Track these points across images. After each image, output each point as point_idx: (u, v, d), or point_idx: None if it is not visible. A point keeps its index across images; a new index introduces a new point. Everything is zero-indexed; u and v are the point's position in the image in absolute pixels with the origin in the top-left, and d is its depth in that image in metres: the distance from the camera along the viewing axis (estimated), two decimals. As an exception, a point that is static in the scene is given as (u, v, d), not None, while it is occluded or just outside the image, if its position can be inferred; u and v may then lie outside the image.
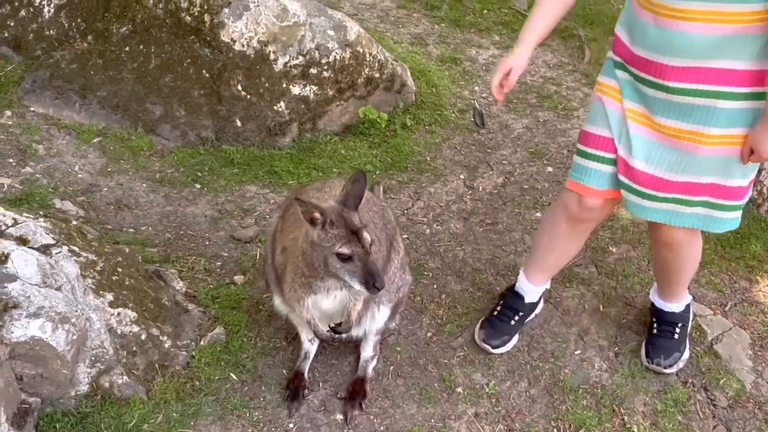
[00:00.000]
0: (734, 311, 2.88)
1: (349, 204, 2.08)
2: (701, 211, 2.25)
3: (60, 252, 2.40)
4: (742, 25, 1.97)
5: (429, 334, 2.75)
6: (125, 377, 2.37)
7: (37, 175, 3.31)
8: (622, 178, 2.28)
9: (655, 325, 2.65)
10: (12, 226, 2.38)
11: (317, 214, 2.04)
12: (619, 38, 2.26)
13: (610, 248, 3.16)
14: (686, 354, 2.64)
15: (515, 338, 2.68)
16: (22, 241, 2.34)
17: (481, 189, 3.53)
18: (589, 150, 2.33)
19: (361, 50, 3.78)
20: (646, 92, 2.18)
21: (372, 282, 2.03)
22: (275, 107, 3.65)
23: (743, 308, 2.90)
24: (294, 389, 2.45)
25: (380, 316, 2.44)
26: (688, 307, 2.69)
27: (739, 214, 2.27)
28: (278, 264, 2.36)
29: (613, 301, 2.90)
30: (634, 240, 3.20)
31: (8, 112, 3.60)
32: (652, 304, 2.68)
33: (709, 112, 2.08)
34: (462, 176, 3.61)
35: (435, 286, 2.96)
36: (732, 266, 3.09)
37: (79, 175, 3.38)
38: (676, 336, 2.62)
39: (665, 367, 2.58)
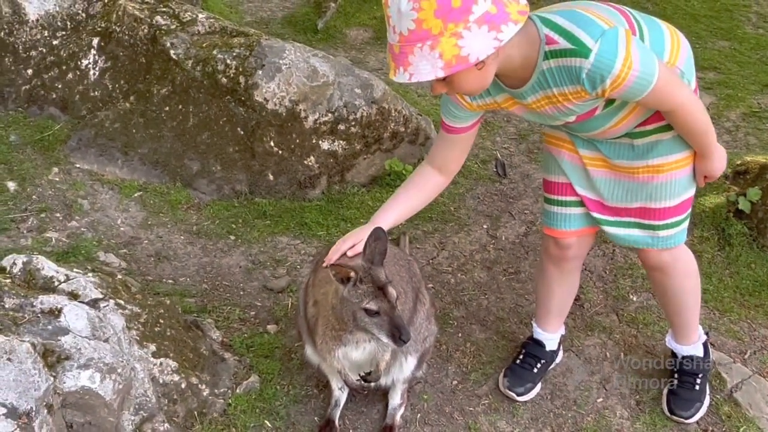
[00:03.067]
0: (753, 359, 2.93)
1: (375, 261, 2.20)
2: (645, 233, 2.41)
3: (107, 305, 2.56)
4: (641, 108, 2.17)
5: (455, 383, 2.84)
6: (167, 424, 2.50)
7: (83, 229, 3.50)
8: (596, 215, 2.44)
9: (676, 376, 2.71)
10: (64, 281, 2.55)
11: (351, 274, 2.17)
12: None
13: (631, 296, 3.25)
14: (707, 401, 2.70)
15: (539, 386, 2.77)
16: (73, 296, 2.51)
17: (503, 238, 3.65)
18: (552, 197, 2.51)
19: (386, 106, 3.96)
20: (595, 141, 2.35)
21: (398, 335, 2.14)
22: (305, 161, 3.83)
23: (762, 356, 2.96)
24: (326, 436, 2.56)
25: (407, 365, 2.55)
26: (707, 351, 2.75)
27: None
28: (310, 316, 2.49)
29: (634, 349, 2.97)
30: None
31: (55, 169, 3.83)
32: (672, 353, 2.75)
33: (657, 146, 2.26)
34: (485, 226, 3.74)
35: (460, 335, 3.07)
36: (751, 314, 3.15)
37: (122, 229, 3.57)
38: (697, 387, 2.68)
39: (687, 418, 2.64)
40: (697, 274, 2.60)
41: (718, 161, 2.30)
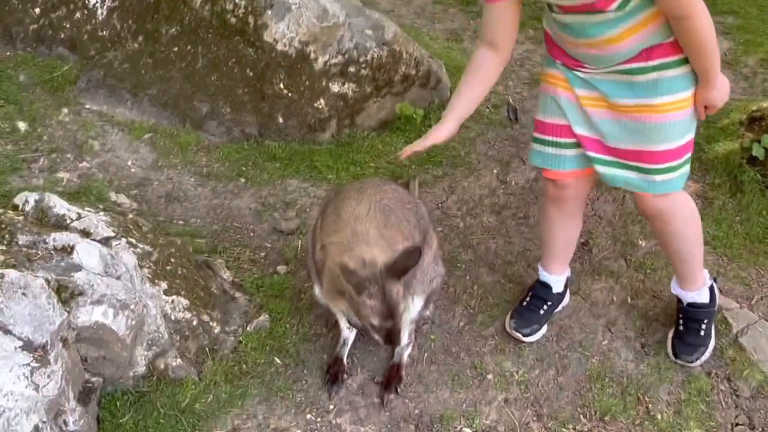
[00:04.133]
0: (760, 304, 2.95)
1: (393, 273, 2.19)
2: (641, 176, 2.38)
3: (119, 244, 2.59)
4: (646, 28, 2.13)
5: (461, 324, 2.88)
6: (179, 360, 2.56)
7: (93, 170, 3.52)
8: (591, 154, 2.41)
9: (681, 321, 2.73)
10: (76, 219, 2.58)
11: (366, 283, 2.18)
12: (550, 38, 2.38)
13: (640, 242, 3.25)
14: (711, 345, 2.72)
15: (545, 328, 2.80)
16: (85, 234, 2.54)
17: (513, 183, 3.64)
18: (547, 138, 2.47)
19: (397, 48, 3.91)
20: (594, 80, 2.30)
21: (391, 342, 2.29)
22: (315, 104, 3.80)
23: (770, 302, 2.97)
24: (334, 374, 2.61)
25: (414, 306, 2.59)
26: (713, 296, 2.75)
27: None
28: (318, 259, 2.51)
29: (641, 294, 2.99)
30: (663, 234, 3.28)
31: (65, 110, 3.82)
32: (678, 299, 2.77)
33: (657, 84, 2.22)
34: (495, 171, 3.72)
35: (468, 278, 3.09)
36: (760, 260, 3.15)
37: (132, 170, 3.58)
38: (702, 332, 2.69)
39: (691, 362, 2.67)
40: (697, 220, 2.57)
41: (721, 90, 2.26)
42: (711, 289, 2.75)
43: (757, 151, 3.42)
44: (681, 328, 2.73)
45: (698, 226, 2.59)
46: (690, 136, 2.36)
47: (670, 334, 2.76)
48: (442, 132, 2.35)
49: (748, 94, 4.23)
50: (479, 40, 2.42)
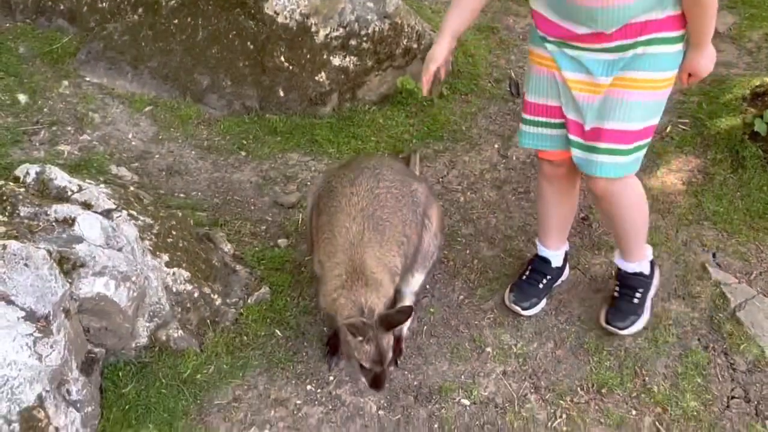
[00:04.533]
0: (759, 280, 2.96)
1: (386, 326, 2.27)
2: (607, 159, 2.36)
3: (120, 216, 2.60)
4: None
5: (461, 297, 2.90)
6: (180, 331, 2.58)
7: (94, 142, 3.52)
8: (572, 137, 2.39)
9: (617, 288, 2.74)
10: (77, 191, 2.58)
11: (361, 337, 2.25)
12: (540, 15, 2.31)
13: (640, 217, 3.25)
14: (644, 319, 2.72)
15: (544, 301, 2.82)
16: (86, 206, 2.55)
17: (514, 158, 3.63)
18: (540, 119, 2.45)
19: (399, 21, 3.88)
20: (583, 58, 2.26)
21: (377, 386, 2.33)
22: (316, 78, 3.78)
23: (768, 277, 2.99)
24: (333, 345, 2.63)
25: (415, 281, 2.62)
26: (652, 270, 2.76)
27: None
28: (316, 271, 2.52)
29: (640, 269, 3.00)
30: (663, 209, 3.28)
31: (65, 82, 3.81)
32: (617, 267, 2.76)
33: (647, 59, 2.21)
34: (496, 145, 3.72)
35: (468, 252, 3.10)
36: (760, 236, 3.15)
37: (133, 143, 3.58)
38: (635, 300, 2.71)
39: (621, 329, 2.67)
40: (644, 204, 2.58)
41: (709, 58, 2.26)
42: (652, 264, 2.77)
43: (759, 127, 3.41)
44: (616, 294, 2.74)
45: (645, 207, 2.60)
46: (656, 120, 2.36)
47: (605, 305, 2.77)
48: (440, 51, 2.37)
49: (752, 69, 4.20)
50: None
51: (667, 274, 2.97)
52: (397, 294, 2.60)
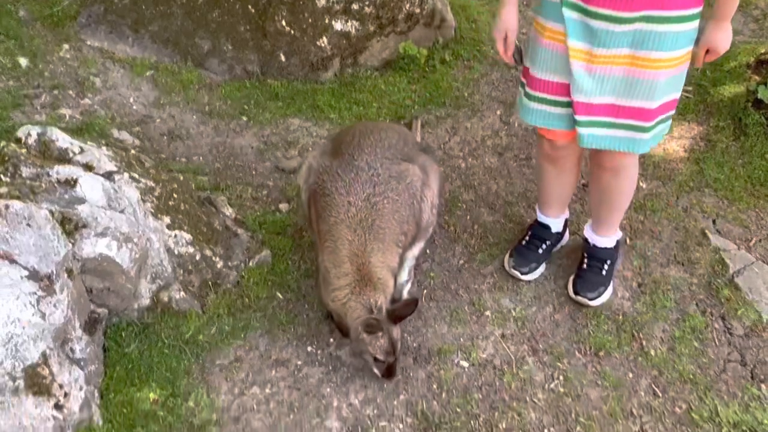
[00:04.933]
0: (758, 246, 2.97)
1: (395, 319, 2.38)
2: (629, 134, 2.35)
3: (122, 178, 2.61)
4: None
5: (461, 262, 2.91)
6: (182, 293, 2.60)
7: (95, 107, 3.51)
8: (579, 117, 2.32)
9: (585, 260, 2.76)
10: (79, 153, 2.59)
11: (380, 333, 2.34)
12: None
13: (640, 184, 3.25)
14: (610, 290, 2.75)
15: (543, 266, 2.84)
16: (88, 167, 2.56)
17: (516, 125, 3.62)
18: (544, 95, 2.37)
19: (402, -14, 3.84)
20: (594, 26, 2.20)
21: (390, 375, 2.41)
22: (318, 42, 3.76)
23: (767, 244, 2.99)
24: (334, 309, 2.67)
25: (415, 249, 2.65)
26: (618, 244, 2.79)
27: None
28: (319, 264, 2.54)
29: (640, 234, 3.01)
30: (665, 176, 3.28)
31: (66, 46, 3.79)
32: (585, 239, 2.78)
33: (657, 38, 2.16)
34: (498, 112, 3.70)
35: (468, 217, 3.11)
36: (760, 203, 3.15)
37: (134, 107, 3.57)
38: (604, 272, 2.73)
39: (590, 300, 2.69)
40: (636, 178, 2.60)
41: (729, 33, 2.24)
42: (618, 241, 2.79)
43: (763, 94, 3.38)
44: (584, 266, 2.75)
45: (635, 184, 2.63)
46: (677, 95, 2.34)
47: (573, 275, 2.78)
48: (513, 18, 2.36)
49: (757, 36, 4.16)
50: None
51: (666, 240, 2.98)
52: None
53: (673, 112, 2.38)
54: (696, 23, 2.21)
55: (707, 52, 2.27)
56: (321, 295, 2.55)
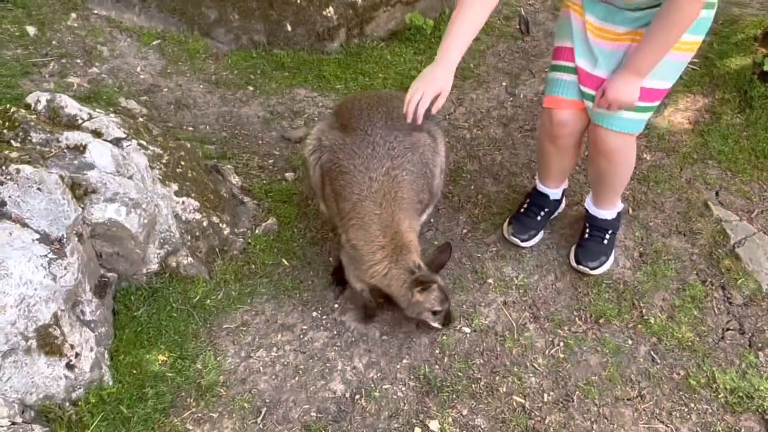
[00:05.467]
0: (760, 218, 2.99)
1: (436, 269, 2.45)
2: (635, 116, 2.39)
3: (130, 145, 2.64)
4: None
5: (465, 231, 2.95)
6: (190, 258, 2.65)
7: (103, 75, 3.53)
8: (583, 88, 2.39)
9: (587, 230, 2.79)
10: (88, 120, 2.62)
11: (434, 286, 2.41)
12: None
13: (644, 155, 3.27)
14: (612, 259, 2.77)
15: (541, 233, 2.87)
16: (96, 134, 2.58)
17: (522, 96, 3.63)
18: (558, 63, 2.45)
19: (408, -45, 3.83)
20: (612, 10, 2.26)
21: (449, 322, 2.51)
22: (324, 12, 3.76)
23: (769, 215, 3.02)
24: (339, 274, 2.69)
25: (425, 215, 2.68)
26: (619, 215, 2.82)
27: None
28: (344, 245, 2.52)
29: (643, 205, 3.04)
30: (669, 148, 3.30)
31: (73, 15, 3.80)
32: (586, 211, 2.81)
33: None
34: (504, 83, 3.71)
35: (472, 187, 3.14)
36: (764, 175, 3.17)
37: (141, 76, 3.59)
38: (605, 242, 2.76)
39: (591, 269, 2.73)
40: (634, 158, 2.61)
41: (630, 91, 2.24)
42: (619, 213, 2.81)
43: (769, 66, 3.38)
44: (586, 236, 2.79)
45: (631, 166, 2.64)
46: (673, 82, 2.36)
47: (574, 246, 2.81)
48: (448, 80, 2.20)
49: (765, 9, 4.14)
50: None
51: (669, 211, 3.01)
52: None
53: (658, 102, 2.39)
54: (709, 12, 2.22)
55: (604, 93, 2.29)
56: (352, 276, 2.53)
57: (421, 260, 2.43)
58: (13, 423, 2.05)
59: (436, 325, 2.48)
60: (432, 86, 2.18)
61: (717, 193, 3.09)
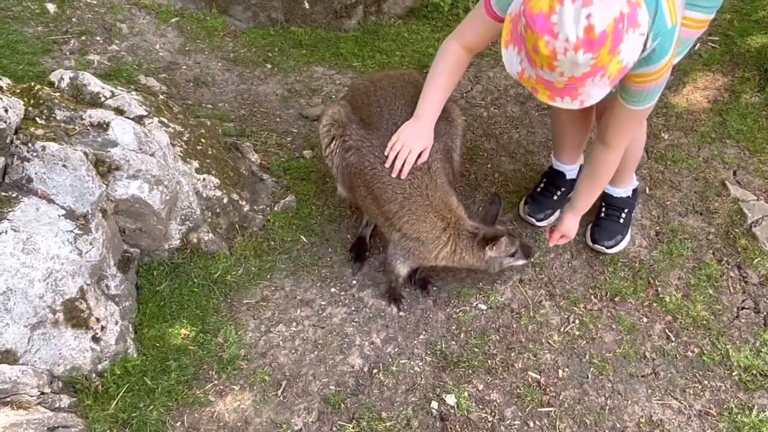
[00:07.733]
0: (778, 197, 2.99)
1: (490, 223, 2.54)
2: None
3: (152, 122, 2.68)
4: None
5: (481, 209, 2.96)
6: (211, 234, 2.69)
7: (123, 53, 3.56)
8: None
9: (603, 209, 2.81)
10: (110, 97, 2.65)
11: (502, 239, 2.50)
12: None
13: (662, 135, 3.26)
14: (628, 237, 2.79)
15: (557, 212, 2.88)
16: (119, 111, 2.62)
17: (539, 74, 3.62)
18: None
19: (426, -68, 3.80)
20: None
21: (530, 253, 2.62)
22: (342, -10, 3.76)
23: (787, 195, 3.01)
24: (357, 251, 2.74)
25: None
26: (635, 192, 2.83)
27: None
28: (395, 235, 2.53)
29: (659, 184, 3.04)
30: (687, 127, 3.29)
31: (92, -8, 3.83)
32: (603, 191, 2.80)
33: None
34: (521, 61, 3.70)
35: (489, 166, 3.15)
36: (782, 155, 3.17)
37: (160, 54, 3.62)
38: (621, 220, 2.78)
39: (608, 247, 2.74)
40: (644, 138, 2.68)
41: (578, 222, 2.52)
42: (635, 190, 2.84)
43: (790, 45, 3.35)
44: (602, 215, 2.81)
45: (644, 139, 2.71)
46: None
47: (590, 225, 2.82)
48: (429, 138, 2.42)
49: (788, -14, 4.09)
50: (461, 40, 2.37)
51: (686, 190, 3.01)
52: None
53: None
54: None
55: (561, 236, 2.56)
56: (401, 265, 2.54)
57: (474, 221, 2.52)
58: (42, 393, 2.12)
59: (521, 262, 2.60)
60: (418, 144, 2.40)
61: (734, 173, 3.08)
